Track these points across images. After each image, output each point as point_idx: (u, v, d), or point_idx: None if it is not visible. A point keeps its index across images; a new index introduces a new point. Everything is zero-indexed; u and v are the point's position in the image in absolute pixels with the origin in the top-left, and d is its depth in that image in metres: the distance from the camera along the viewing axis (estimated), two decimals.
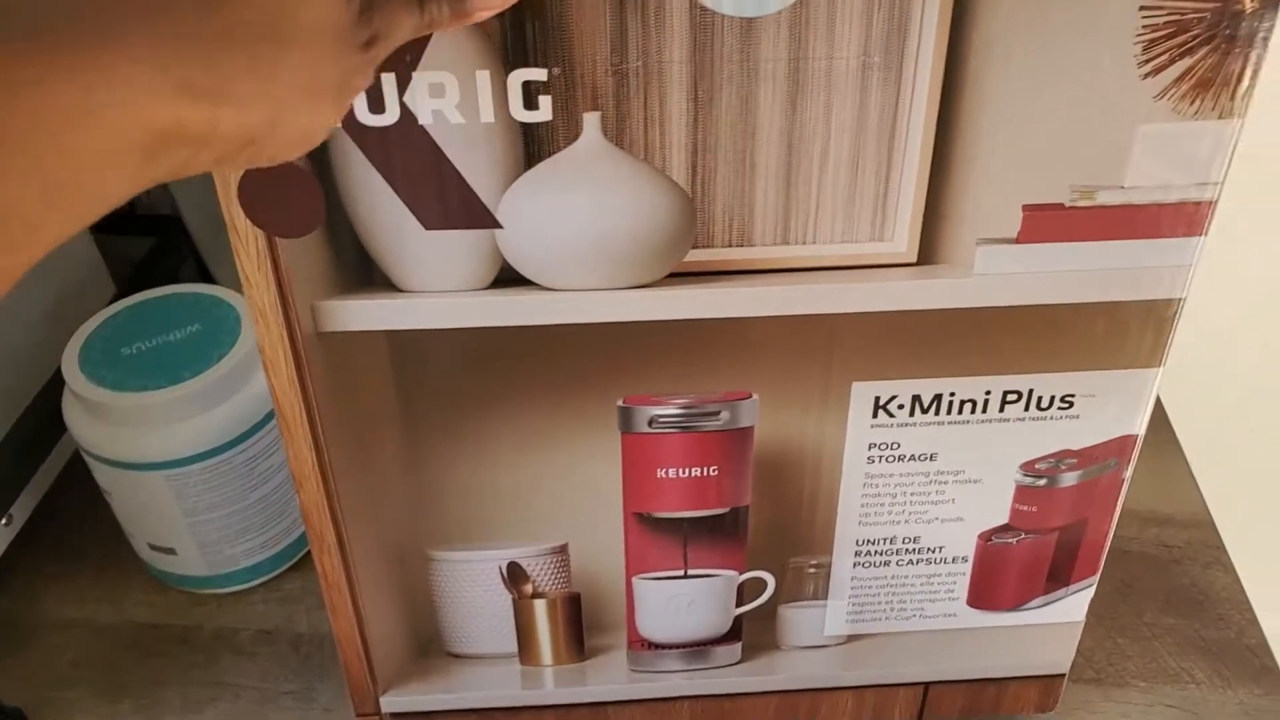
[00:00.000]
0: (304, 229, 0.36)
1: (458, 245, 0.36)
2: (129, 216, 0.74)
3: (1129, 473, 0.44)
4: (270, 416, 0.54)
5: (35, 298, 0.62)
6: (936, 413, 0.42)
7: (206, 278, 0.70)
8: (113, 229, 0.71)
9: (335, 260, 0.37)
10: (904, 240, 0.37)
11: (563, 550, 0.45)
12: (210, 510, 0.56)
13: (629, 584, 0.46)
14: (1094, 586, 0.48)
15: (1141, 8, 0.33)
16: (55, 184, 0.21)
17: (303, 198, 0.35)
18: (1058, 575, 0.47)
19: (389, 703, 0.50)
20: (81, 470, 0.59)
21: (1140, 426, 0.43)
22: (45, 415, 0.57)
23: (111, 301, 0.66)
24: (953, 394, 0.41)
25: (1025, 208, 0.37)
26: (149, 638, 0.60)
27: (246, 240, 0.36)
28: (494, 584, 0.46)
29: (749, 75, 0.34)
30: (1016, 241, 0.37)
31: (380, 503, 0.44)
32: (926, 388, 0.41)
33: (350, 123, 0.34)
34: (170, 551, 0.58)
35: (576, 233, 0.36)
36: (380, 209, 0.36)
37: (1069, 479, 0.44)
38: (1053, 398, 0.42)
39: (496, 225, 0.36)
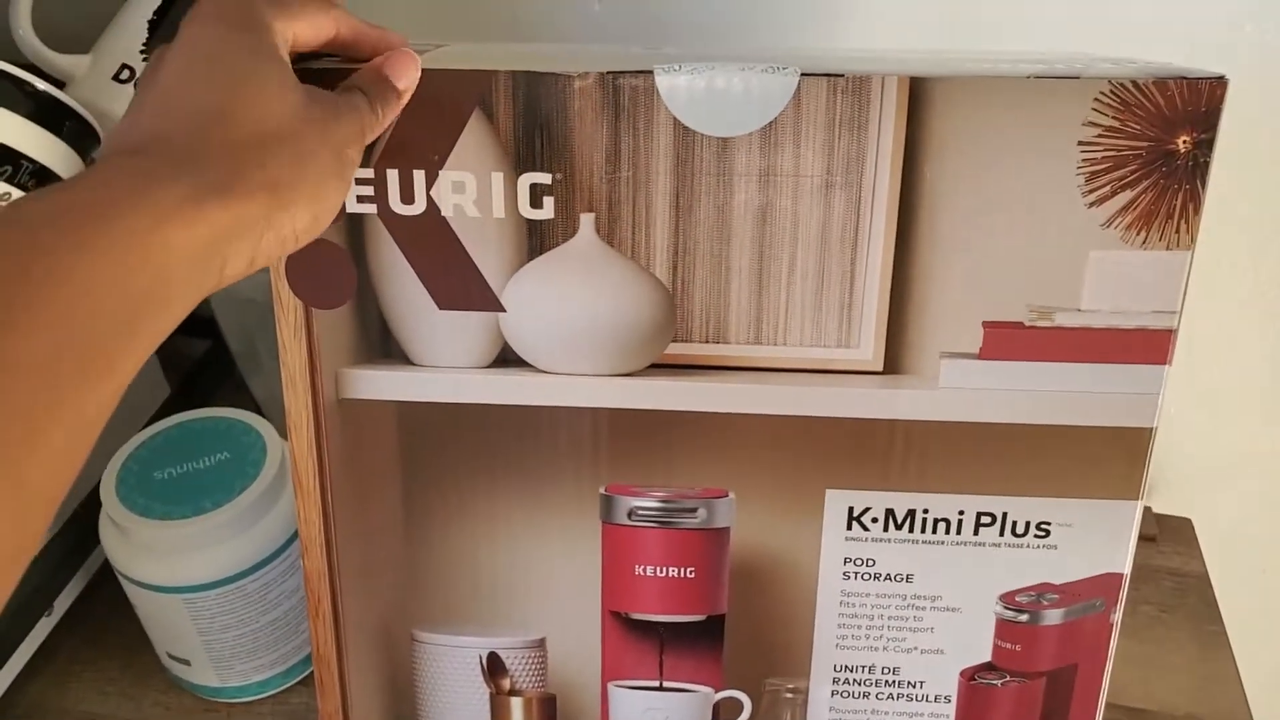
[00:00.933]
0: (337, 301, 0.41)
1: (465, 325, 0.41)
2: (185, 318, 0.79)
3: (1117, 617, 0.43)
4: (286, 546, 0.57)
5: None
6: (910, 529, 0.43)
7: (244, 392, 0.75)
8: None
9: (360, 333, 0.42)
10: (870, 348, 0.40)
11: (541, 645, 0.46)
12: (224, 630, 0.58)
13: (604, 691, 0.46)
14: None
15: (1080, 142, 0.36)
16: (120, 311, 0.24)
17: (338, 273, 0.41)
18: None
19: None
20: None
21: (1125, 565, 0.43)
22: (92, 517, 0.61)
23: (165, 403, 0.71)
24: (926, 510, 0.42)
25: (985, 324, 0.39)
26: None
27: (287, 310, 0.41)
28: (473, 674, 0.47)
29: (724, 186, 0.38)
30: (979, 357, 0.39)
31: (375, 576, 0.46)
32: (900, 501, 0.42)
33: (384, 211, 0.39)
34: (185, 662, 0.60)
35: (569, 319, 0.40)
36: (402, 288, 0.41)
37: (1052, 616, 0.43)
38: (1028, 524, 0.42)
39: (500, 309, 0.41)
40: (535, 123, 0.38)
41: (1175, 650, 0.65)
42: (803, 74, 0.37)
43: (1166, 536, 0.71)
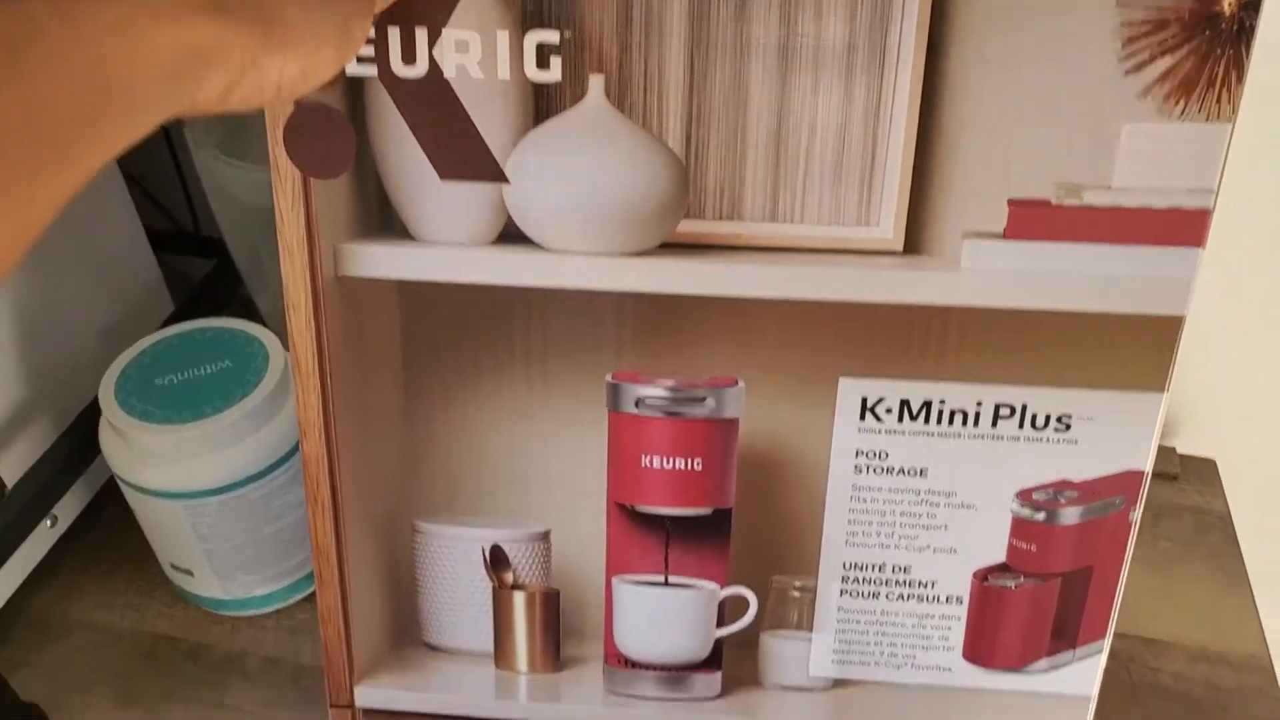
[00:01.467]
0: (336, 170, 0.40)
1: (468, 197, 0.40)
2: (190, 238, 0.79)
3: (1137, 516, 0.42)
4: (288, 457, 0.56)
5: (96, 311, 0.67)
6: (926, 421, 0.41)
7: (251, 310, 0.74)
8: (174, 249, 0.76)
9: (359, 207, 0.41)
10: (890, 226, 0.38)
11: (545, 538, 0.45)
12: (226, 540, 0.57)
13: (609, 587, 0.45)
14: (1105, 654, 0.44)
15: (1119, 3, 0.34)
16: (94, 96, 0.23)
17: (337, 140, 0.39)
18: (1063, 633, 0.44)
19: (363, 695, 0.49)
20: None
21: (1147, 462, 0.41)
22: (93, 425, 0.61)
23: (168, 320, 0.70)
24: (943, 401, 0.41)
25: (1011, 202, 0.37)
26: (164, 650, 0.61)
27: (285, 179, 0.40)
28: (475, 566, 0.46)
29: (741, 50, 0.36)
30: (1003, 237, 0.38)
31: (375, 464, 0.45)
32: (915, 391, 0.41)
33: (385, 73, 0.38)
34: (188, 573, 0.60)
35: (576, 190, 0.39)
36: (403, 157, 0.39)
37: (1069, 515, 0.42)
38: (1048, 417, 0.41)
39: (504, 179, 0.39)
40: None
41: (1193, 585, 0.64)
42: None
43: (1189, 476, 0.70)
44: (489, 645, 0.47)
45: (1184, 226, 0.37)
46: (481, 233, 0.40)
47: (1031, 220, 0.38)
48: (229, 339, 0.59)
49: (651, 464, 0.43)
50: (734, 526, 0.44)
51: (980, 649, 0.45)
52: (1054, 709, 0.45)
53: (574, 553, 0.45)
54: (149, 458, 0.55)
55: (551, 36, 0.37)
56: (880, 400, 0.41)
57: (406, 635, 0.48)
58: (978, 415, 0.41)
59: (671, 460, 0.43)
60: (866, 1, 0.36)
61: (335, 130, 0.39)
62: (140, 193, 0.76)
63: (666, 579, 0.45)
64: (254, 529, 0.58)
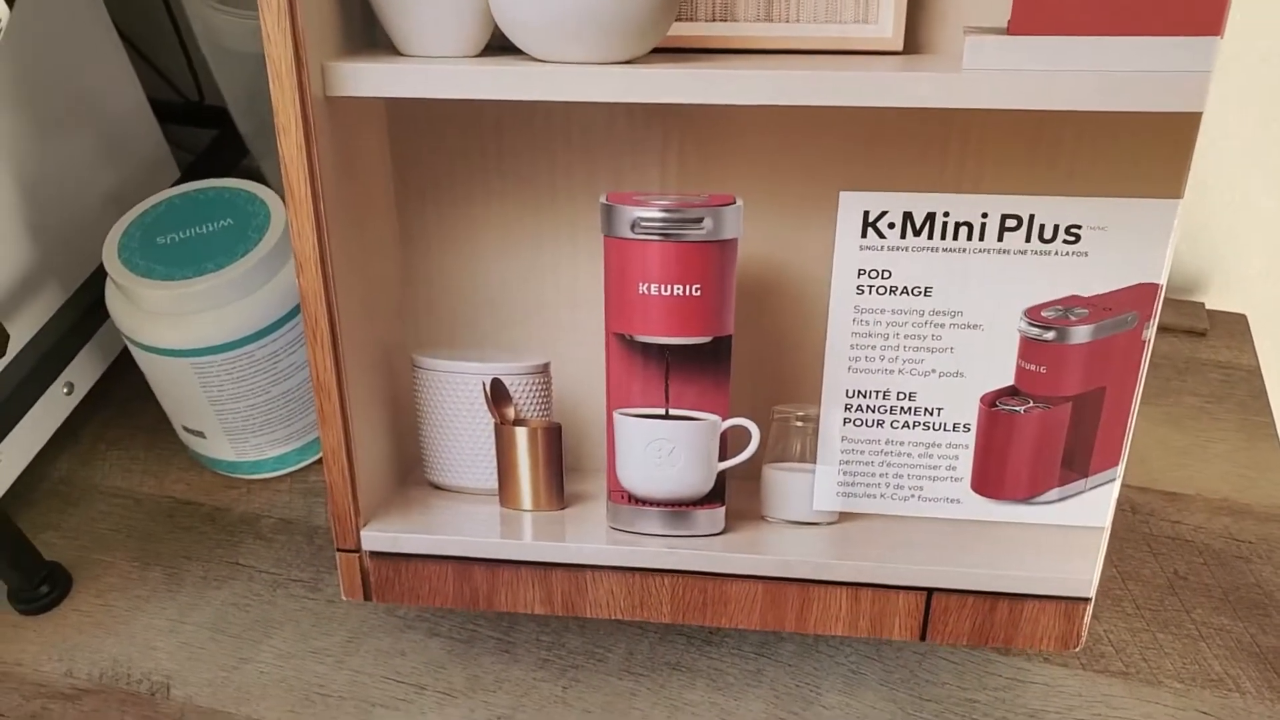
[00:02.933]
0: None
1: (452, 4, 0.38)
2: (196, 107, 0.79)
3: (1150, 333, 0.41)
4: (292, 314, 0.56)
5: (101, 179, 0.67)
6: (930, 235, 0.40)
7: (255, 178, 0.74)
8: (179, 119, 0.76)
9: (344, 23, 0.40)
10: (889, 24, 0.37)
11: (545, 370, 0.45)
12: (235, 400, 0.58)
13: (610, 420, 0.45)
14: (1118, 481, 0.43)
15: None
16: None
17: None
18: (1074, 461, 0.43)
19: (369, 538, 0.49)
20: None
21: (1162, 274, 0.40)
22: (101, 290, 0.61)
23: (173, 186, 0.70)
24: (947, 214, 0.39)
25: None
26: (182, 513, 0.63)
27: None
28: (476, 402, 0.46)
29: None
30: (1008, 32, 0.36)
31: (373, 298, 0.45)
32: (918, 204, 0.39)
33: None
34: (200, 435, 0.61)
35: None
36: None
37: (1080, 333, 0.41)
38: (1057, 227, 0.39)
39: None
40: None
41: (1218, 439, 0.62)
42: None
43: (1218, 331, 0.68)
44: (493, 483, 0.48)
45: (1200, 13, 0.35)
46: (468, 43, 0.39)
47: (1038, 12, 0.36)
48: (231, 198, 0.59)
49: (649, 290, 0.42)
50: (734, 355, 0.43)
51: (989, 479, 0.44)
52: (1066, 541, 0.44)
53: (574, 386, 0.45)
54: (154, 316, 0.56)
55: None
56: (883, 214, 0.40)
57: (411, 475, 0.49)
58: (983, 228, 0.40)
59: (669, 287, 0.42)
60: None
61: None
62: (145, 64, 0.75)
63: (667, 412, 0.44)
64: (262, 389, 0.58)
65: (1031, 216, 0.39)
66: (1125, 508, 0.58)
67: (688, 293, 0.42)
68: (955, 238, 0.40)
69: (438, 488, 0.49)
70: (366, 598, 0.51)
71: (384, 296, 0.45)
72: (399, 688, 0.53)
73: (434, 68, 0.39)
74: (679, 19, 0.38)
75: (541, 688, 0.52)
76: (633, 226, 0.41)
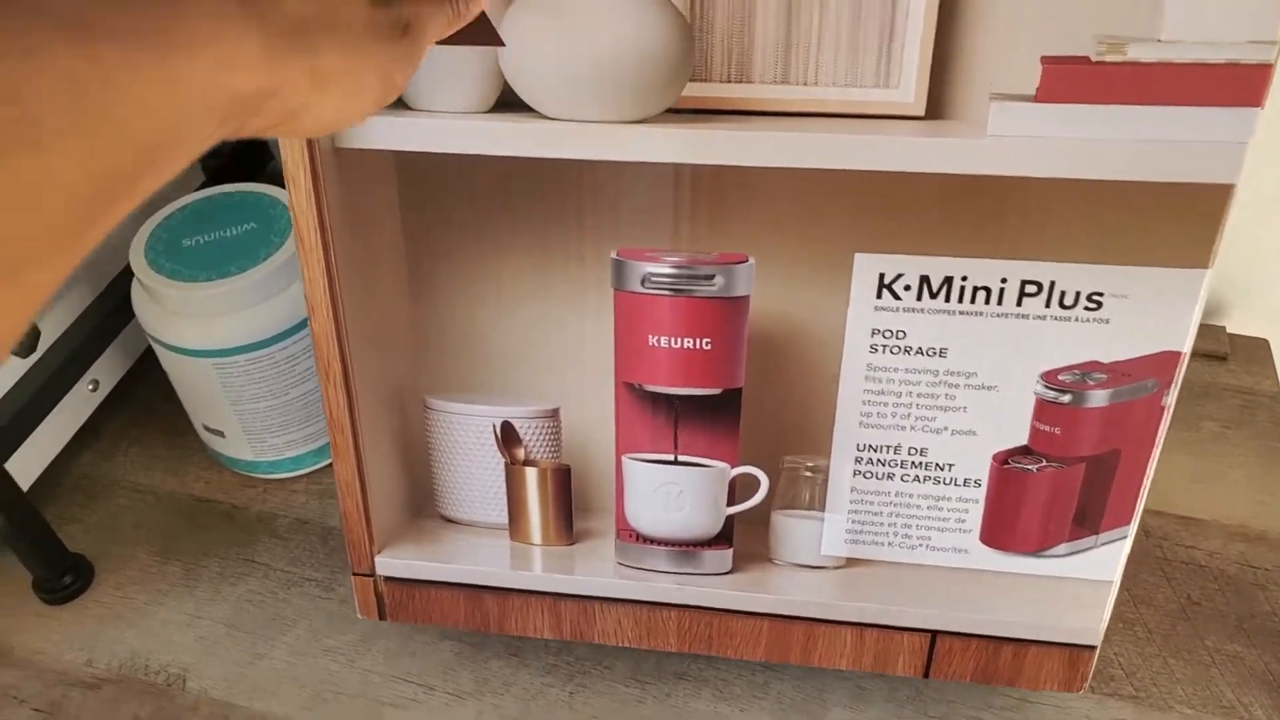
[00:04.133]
0: None
1: (463, 62, 0.37)
2: None
3: (1171, 400, 0.40)
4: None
5: None
6: (947, 299, 0.39)
7: (279, 183, 0.73)
8: None
9: None
10: (911, 89, 0.35)
11: (555, 415, 0.45)
12: (255, 400, 0.59)
13: (619, 463, 0.45)
14: (1129, 539, 0.43)
15: None
16: (147, 148, 0.21)
17: None
18: (1085, 519, 0.43)
19: (384, 564, 0.50)
20: None
21: (1185, 342, 0.39)
22: (128, 290, 0.62)
23: (199, 190, 0.70)
24: (964, 278, 0.39)
25: (1045, 60, 0.34)
26: (201, 511, 0.64)
27: None
28: (487, 442, 0.46)
29: None
30: (1035, 99, 0.35)
31: (384, 341, 0.45)
32: (936, 267, 0.38)
33: None
34: (220, 434, 0.62)
35: (574, 51, 0.36)
36: None
37: (1098, 397, 0.40)
38: (1078, 294, 0.38)
39: (499, 43, 0.37)
40: None
41: (1236, 466, 0.62)
42: None
43: (1239, 356, 0.66)
44: (504, 519, 0.48)
45: (1241, 84, 0.33)
46: (478, 100, 0.38)
47: (1068, 80, 0.34)
48: (254, 202, 0.60)
49: (659, 343, 0.42)
50: (744, 406, 0.43)
51: (998, 532, 0.44)
52: (1073, 592, 0.44)
53: (584, 430, 0.45)
54: (178, 316, 0.56)
55: None
56: (899, 276, 0.39)
57: (424, 508, 0.49)
58: (1002, 293, 0.39)
59: (679, 340, 0.42)
60: None
61: None
62: None
63: (676, 458, 0.44)
64: (281, 390, 0.59)
65: (1053, 283, 0.38)
66: (1140, 531, 0.58)
67: (698, 346, 0.42)
68: (973, 301, 0.39)
69: (449, 521, 0.49)
70: (381, 618, 0.52)
71: (395, 340, 0.45)
72: (409, 688, 0.54)
73: (443, 123, 0.38)
74: (694, 79, 0.36)
75: (549, 692, 0.53)
76: (643, 281, 0.41)
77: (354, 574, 0.51)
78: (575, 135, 0.38)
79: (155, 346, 0.59)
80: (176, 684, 0.54)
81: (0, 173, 0.18)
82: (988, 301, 0.39)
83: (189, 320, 0.56)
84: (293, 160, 0.40)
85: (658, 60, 0.36)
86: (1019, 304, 0.39)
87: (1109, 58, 0.34)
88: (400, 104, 0.39)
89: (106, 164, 0.20)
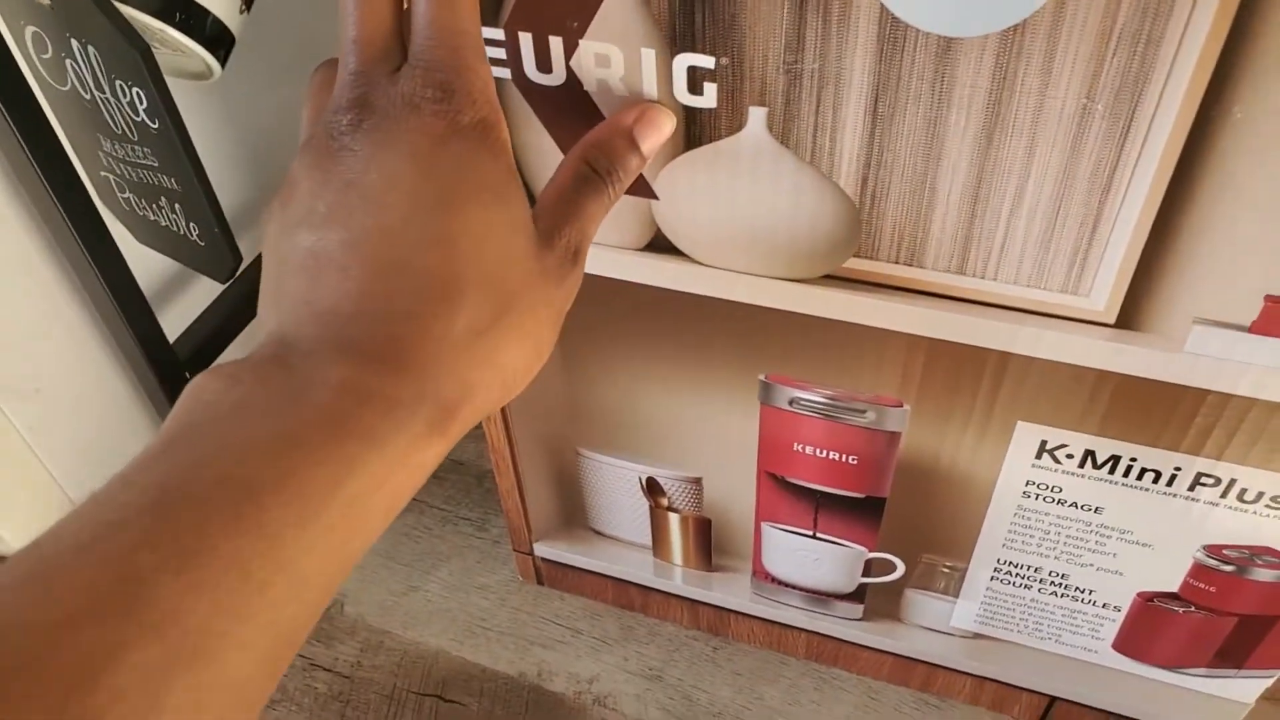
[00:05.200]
0: None
1: (617, 206, 0.36)
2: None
3: None
4: None
5: None
6: (1111, 472, 0.37)
7: None
8: None
9: None
10: (1103, 299, 0.32)
11: (697, 482, 0.47)
12: None
13: (758, 527, 0.47)
14: (1275, 678, 0.42)
15: None
16: (351, 551, 0.21)
17: None
18: (1229, 655, 0.42)
19: (540, 549, 0.55)
20: None
21: None
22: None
23: None
24: (1134, 460, 0.36)
25: (1269, 299, 0.30)
26: None
27: None
28: (633, 487, 0.48)
29: (940, 98, 0.29)
30: (1250, 331, 0.30)
31: (538, 401, 0.46)
32: (1103, 446, 0.36)
33: (519, 79, 0.33)
34: None
35: (730, 220, 0.34)
36: (543, 160, 0.35)
37: (1264, 574, 0.38)
38: (1261, 494, 0.35)
39: (653, 196, 0.35)
40: None
41: None
42: None
43: None
44: (648, 540, 0.51)
45: None
46: (631, 239, 0.37)
47: None
48: None
49: (804, 450, 0.42)
50: (886, 508, 0.43)
51: (1133, 647, 0.44)
52: (1203, 705, 0.44)
53: (725, 496, 0.46)
54: None
55: (706, 61, 0.30)
56: (1062, 446, 0.37)
57: (575, 519, 0.53)
58: (1173, 479, 0.36)
59: (826, 452, 0.41)
60: (1115, 61, 0.26)
61: None
62: None
63: (815, 535, 0.46)
64: None
65: (1233, 480, 0.35)
66: None
67: (844, 460, 0.42)
68: (1140, 478, 0.37)
69: (599, 534, 0.53)
70: (539, 584, 0.58)
71: (550, 399, 0.46)
72: (556, 629, 0.57)
73: (599, 252, 0.37)
74: (859, 255, 0.34)
75: (693, 645, 0.55)
76: (791, 402, 0.40)
77: (515, 550, 0.57)
78: (729, 281, 0.36)
79: None
80: (335, 607, 0.58)
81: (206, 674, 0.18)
82: (1156, 482, 0.36)
83: None
84: None
85: (818, 238, 0.33)
86: (1191, 490, 0.36)
87: None
88: None
89: (282, 641, 0.20)
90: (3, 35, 0.42)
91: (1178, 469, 0.36)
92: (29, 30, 0.43)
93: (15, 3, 0.42)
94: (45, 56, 0.43)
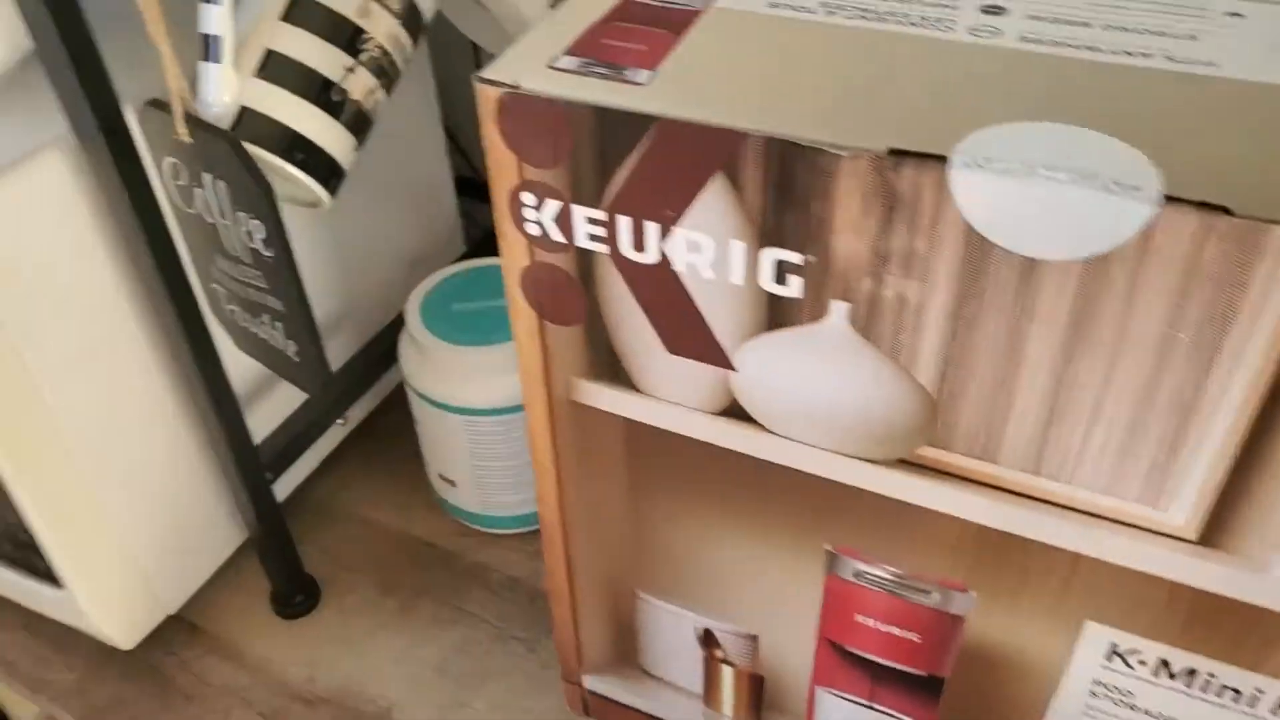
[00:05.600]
0: (567, 321, 0.38)
1: (695, 371, 0.37)
2: (484, 185, 0.80)
3: None
4: None
5: (403, 246, 0.72)
6: (1187, 685, 0.36)
7: None
8: (474, 194, 0.78)
9: (591, 353, 0.39)
10: (1183, 515, 0.31)
11: (754, 639, 0.46)
12: (495, 459, 0.63)
13: (812, 690, 0.46)
14: None
15: None
16: None
17: (569, 299, 0.37)
18: None
19: (590, 681, 0.55)
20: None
21: None
22: (390, 342, 0.67)
23: (458, 259, 0.74)
24: (1212, 675, 0.35)
25: None
26: (422, 552, 0.68)
27: (521, 314, 0.39)
28: (689, 636, 0.48)
29: (1022, 313, 0.29)
30: None
31: (603, 540, 0.47)
32: (1179, 657, 0.35)
33: (615, 254, 0.35)
34: (452, 483, 0.66)
35: (805, 399, 0.35)
36: (632, 327, 0.37)
37: None
38: None
39: (731, 368, 0.36)
40: (788, 197, 0.30)
41: None
42: (1166, 197, 0.25)
43: None
44: (699, 688, 0.51)
45: None
46: (707, 403, 0.38)
47: None
48: None
49: (866, 622, 0.41)
50: (946, 687, 0.42)
51: None
52: None
53: (780, 654, 0.46)
54: (441, 373, 0.61)
55: (793, 257, 0.31)
56: (1134, 650, 0.36)
57: (627, 658, 0.53)
58: (1255, 699, 0.35)
59: (888, 626, 0.41)
60: (1203, 293, 0.26)
61: (566, 289, 0.37)
62: (451, 144, 0.77)
63: (872, 706, 0.45)
64: (521, 453, 0.63)
65: None
66: None
67: (906, 636, 0.41)
68: (1219, 695, 0.35)
69: (649, 675, 0.53)
70: (585, 714, 0.57)
71: (613, 543, 0.47)
72: None
73: (674, 410, 0.38)
74: (933, 445, 0.34)
75: None
76: (856, 575, 0.40)
77: (564, 680, 0.56)
78: (801, 453, 0.37)
79: (411, 395, 0.64)
80: (384, 717, 0.58)
81: None
82: (1237, 700, 0.35)
83: (451, 378, 0.61)
84: (530, 398, 0.42)
85: (889, 425, 0.34)
86: (1275, 714, 0.35)
87: None
88: (633, 386, 0.39)
89: None
90: (144, 162, 0.45)
91: (1259, 690, 0.34)
92: (167, 161, 0.46)
93: (160, 137, 0.45)
94: (179, 183, 0.47)
